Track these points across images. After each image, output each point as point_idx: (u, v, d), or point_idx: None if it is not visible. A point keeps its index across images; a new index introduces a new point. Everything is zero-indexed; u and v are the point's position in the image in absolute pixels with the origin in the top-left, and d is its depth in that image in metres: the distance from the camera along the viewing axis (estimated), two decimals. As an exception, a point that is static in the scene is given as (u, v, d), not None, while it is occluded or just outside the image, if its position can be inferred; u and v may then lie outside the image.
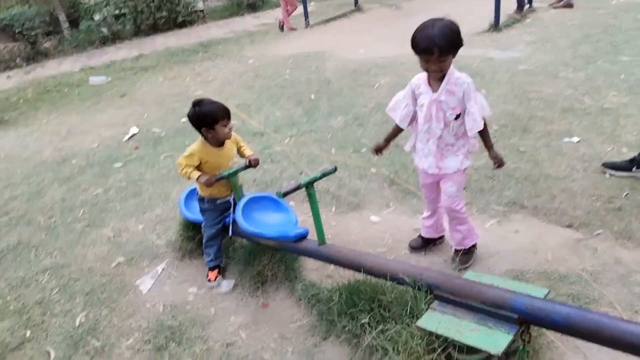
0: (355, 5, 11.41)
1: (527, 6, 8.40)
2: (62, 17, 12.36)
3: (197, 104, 2.55)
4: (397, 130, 2.62)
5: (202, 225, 2.79)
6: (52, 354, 2.43)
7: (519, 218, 2.95)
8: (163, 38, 11.91)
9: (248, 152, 2.80)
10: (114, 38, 12.16)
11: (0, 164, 5.29)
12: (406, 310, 1.96)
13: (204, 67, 8.29)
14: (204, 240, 2.82)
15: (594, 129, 3.90)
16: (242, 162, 2.78)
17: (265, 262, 2.70)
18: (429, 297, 1.93)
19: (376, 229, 3.07)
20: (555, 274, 2.45)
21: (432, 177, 2.52)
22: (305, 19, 10.51)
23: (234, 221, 2.70)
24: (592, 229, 2.75)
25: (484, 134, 2.37)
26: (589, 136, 3.78)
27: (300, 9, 10.63)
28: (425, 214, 2.73)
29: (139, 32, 12.57)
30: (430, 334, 1.77)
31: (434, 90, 2.31)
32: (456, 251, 2.62)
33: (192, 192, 3.04)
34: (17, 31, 11.29)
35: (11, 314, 2.77)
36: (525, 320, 1.68)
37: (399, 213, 3.20)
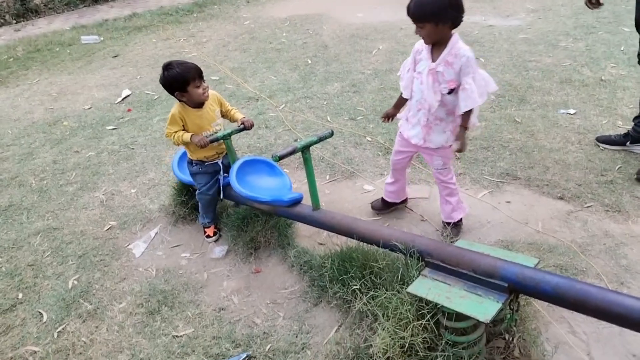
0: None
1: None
2: (51, -27, 11.94)
3: (166, 67, 2.48)
4: (404, 98, 2.54)
5: (197, 192, 2.78)
6: (45, 316, 2.45)
7: (511, 189, 2.96)
8: (156, -3, 11.56)
9: (239, 115, 2.76)
10: (106, -4, 11.80)
11: (-9, 124, 5.21)
12: (397, 276, 1.98)
13: (199, 27, 8.10)
14: (200, 207, 2.81)
15: (591, 100, 3.87)
16: (229, 124, 2.74)
17: (259, 229, 2.71)
18: (420, 264, 1.94)
19: (370, 198, 3.07)
20: (545, 244, 2.48)
21: (412, 148, 2.51)
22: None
23: (228, 184, 2.69)
24: (583, 201, 2.77)
25: (467, 112, 2.24)
26: (585, 108, 3.76)
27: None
28: (389, 180, 2.75)
29: (131, -10, 12.18)
30: (420, 300, 1.80)
31: (434, 59, 2.23)
32: (446, 224, 2.63)
33: (185, 154, 3.01)
34: (5, -14, 10.92)
35: (3, 275, 2.78)
36: (514, 289, 1.70)
37: (392, 182, 3.20)
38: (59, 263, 2.84)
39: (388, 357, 1.79)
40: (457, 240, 2.52)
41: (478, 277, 1.73)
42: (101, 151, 4.16)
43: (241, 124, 2.70)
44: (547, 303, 2.10)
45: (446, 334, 1.78)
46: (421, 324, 1.78)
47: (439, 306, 1.72)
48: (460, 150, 2.26)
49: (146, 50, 7.21)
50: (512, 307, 1.79)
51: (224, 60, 6.16)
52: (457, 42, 2.19)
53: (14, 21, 10.79)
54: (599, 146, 3.25)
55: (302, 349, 2.10)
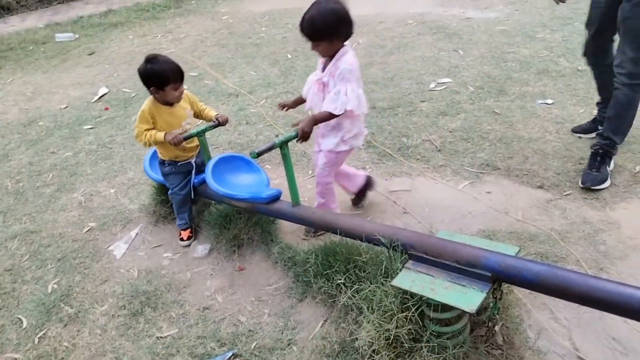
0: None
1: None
2: (22, -31, 11.64)
3: (150, 60, 2.40)
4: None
5: (169, 191, 2.75)
6: (24, 322, 2.40)
7: (491, 179, 2.99)
8: (132, -7, 11.37)
9: (213, 112, 2.72)
10: (80, -8, 11.55)
11: (-37, 126, 5.07)
12: (381, 270, 1.99)
13: (176, 23, 8.00)
14: (174, 207, 2.78)
15: (568, 90, 3.92)
16: (200, 122, 2.71)
17: (242, 226, 2.69)
18: (403, 257, 1.95)
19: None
20: (525, 233, 2.51)
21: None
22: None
23: (200, 183, 2.66)
24: (562, 189, 2.81)
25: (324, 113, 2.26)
26: (563, 98, 3.81)
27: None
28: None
29: (106, -14, 11.96)
30: (405, 292, 1.80)
31: (323, 70, 2.31)
32: None
33: (156, 152, 2.96)
34: (-26, -16, 10.62)
35: (-19, 280, 2.72)
36: (497, 278, 1.71)
37: (375, 176, 3.19)
38: (38, 267, 2.79)
39: (374, 350, 1.79)
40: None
41: (461, 267, 1.74)
42: (78, 151, 4.08)
43: (215, 120, 2.67)
44: (528, 290, 2.14)
45: (431, 325, 1.79)
46: (406, 316, 1.78)
47: (423, 298, 1.73)
48: (302, 138, 2.20)
49: (123, 47, 7.09)
50: (495, 295, 1.81)
51: (202, 56, 6.09)
52: (344, 54, 2.24)
53: (-15, 20, 10.51)
54: (576, 135, 3.29)
55: (288, 345, 2.10)
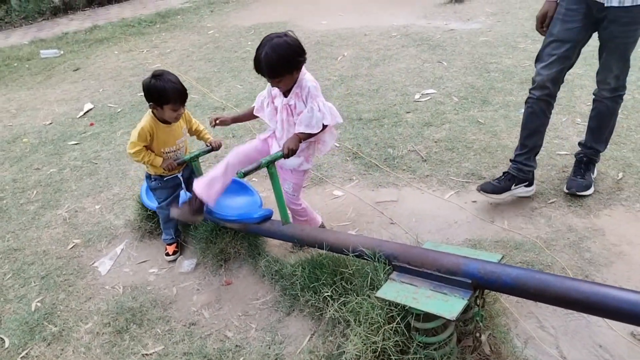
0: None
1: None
2: (7, -14, 11.61)
3: (156, 75, 2.37)
4: (250, 115, 2.57)
5: (156, 205, 2.73)
6: (7, 342, 2.35)
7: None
8: (118, 8, 11.39)
9: (208, 135, 2.77)
10: (66, 8, 11.53)
11: (-55, 144, 5.00)
12: (367, 281, 1.99)
13: (162, 38, 8.00)
14: (161, 222, 2.76)
15: (551, 99, 3.98)
16: (194, 140, 2.71)
17: (228, 240, 2.67)
18: (387, 268, 1.95)
19: (339, 203, 3.08)
20: (511, 242, 2.53)
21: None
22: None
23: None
24: (547, 197, 2.83)
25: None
26: (546, 107, 3.86)
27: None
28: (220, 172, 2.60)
29: (92, 1, 11.96)
30: (390, 303, 1.80)
31: (285, 95, 2.31)
32: None
33: None
34: (-42, 1, 10.56)
35: (-38, 301, 2.66)
36: (478, 285, 1.72)
37: (361, 187, 3.21)
38: (21, 285, 2.74)
39: (361, 363, 1.78)
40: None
41: (442, 275, 1.75)
42: (63, 167, 4.04)
43: (209, 144, 2.71)
44: (515, 299, 2.15)
45: (417, 336, 1.78)
46: (392, 327, 1.78)
47: (407, 308, 1.73)
48: (286, 156, 2.23)
49: (108, 62, 7.07)
50: (478, 303, 1.81)
51: (189, 71, 6.09)
52: (304, 75, 2.27)
53: (-31, 36, 10.43)
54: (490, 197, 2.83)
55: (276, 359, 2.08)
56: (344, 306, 2.00)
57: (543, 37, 2.65)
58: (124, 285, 2.64)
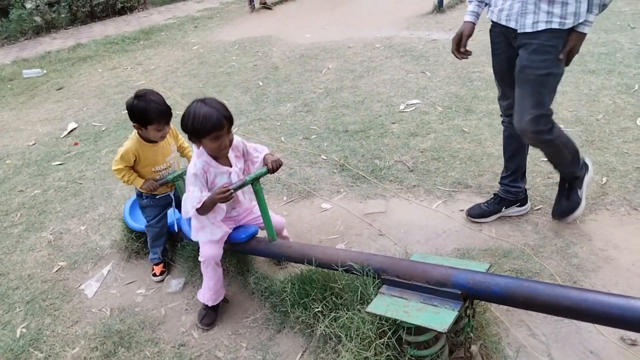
0: (300, -12, 11.25)
1: (468, -14, 8.52)
2: (-12, 6, 11.54)
3: (139, 96, 2.33)
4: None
5: (145, 223, 2.70)
6: (-9, 370, 2.30)
7: (463, 197, 3.02)
8: (101, 26, 11.37)
9: (191, 154, 2.72)
10: (49, 27, 11.48)
11: None
12: (357, 296, 1.98)
13: (146, 55, 7.98)
14: (148, 241, 2.73)
15: (533, 106, 4.02)
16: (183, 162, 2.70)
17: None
18: (377, 282, 1.94)
19: (328, 216, 3.07)
20: (499, 250, 2.53)
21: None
22: (250, 3, 10.29)
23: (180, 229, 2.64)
24: (533, 204, 2.85)
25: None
26: (529, 114, 3.91)
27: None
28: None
29: (75, 20, 11.93)
30: (381, 318, 1.79)
31: (228, 165, 2.23)
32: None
33: (136, 202, 2.92)
34: (-62, 22, 10.45)
35: (-56, 329, 2.59)
36: (468, 295, 1.72)
37: (349, 199, 3.21)
38: (5, 311, 2.68)
39: (353, 379, 1.77)
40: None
41: (432, 287, 1.74)
42: (47, 188, 3.99)
43: None
44: (505, 308, 2.15)
45: (409, 349, 1.77)
46: (383, 341, 1.77)
47: (398, 322, 1.72)
48: (273, 170, 2.24)
49: (92, 80, 7.03)
50: (468, 313, 1.81)
51: (173, 87, 6.08)
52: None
53: (-51, 58, 10.31)
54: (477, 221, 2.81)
55: (267, 378, 2.05)
56: (335, 322, 1.99)
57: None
58: (111, 307, 2.59)
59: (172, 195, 2.68)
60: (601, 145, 3.31)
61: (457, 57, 2.58)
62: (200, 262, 2.34)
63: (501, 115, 2.70)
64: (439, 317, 1.67)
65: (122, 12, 12.48)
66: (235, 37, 8.23)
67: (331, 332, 2.02)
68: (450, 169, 3.32)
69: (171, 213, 2.75)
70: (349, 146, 3.83)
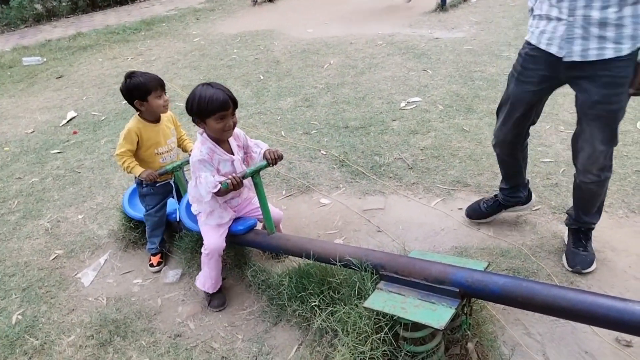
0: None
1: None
2: (-11, -8, 11.48)
3: (129, 75, 2.46)
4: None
5: (144, 212, 2.69)
6: (-14, 356, 2.30)
7: (462, 196, 3.02)
8: (102, 15, 11.32)
9: (191, 145, 2.74)
10: (49, 15, 11.44)
11: None
12: (354, 291, 1.98)
13: (147, 46, 7.95)
14: (147, 230, 2.72)
15: (534, 107, 4.03)
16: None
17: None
18: (374, 277, 1.95)
19: (326, 211, 3.07)
20: (497, 249, 2.54)
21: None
22: (253, -3, 10.27)
23: (180, 220, 2.63)
24: (531, 204, 2.85)
25: None
26: (529, 114, 3.91)
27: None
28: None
29: (76, 9, 11.88)
30: (378, 313, 1.80)
31: (228, 151, 2.26)
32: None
33: (135, 190, 2.91)
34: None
35: (-61, 314, 2.59)
36: (466, 293, 1.72)
37: (348, 194, 3.21)
38: (1, 298, 2.67)
39: (349, 374, 1.77)
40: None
41: (430, 284, 1.75)
42: (45, 176, 3.98)
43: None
44: (502, 307, 2.15)
45: (405, 345, 1.78)
46: (380, 337, 1.77)
47: (395, 318, 1.73)
48: (274, 162, 2.27)
49: (92, 70, 7.00)
50: (465, 311, 1.81)
51: (174, 78, 6.06)
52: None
53: (-51, 43, 10.25)
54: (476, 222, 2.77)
55: (263, 371, 2.05)
56: (332, 316, 1.99)
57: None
58: (108, 296, 2.59)
59: (172, 182, 2.67)
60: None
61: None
62: (201, 253, 2.35)
63: (494, 144, 2.45)
64: (436, 314, 1.67)
65: (123, 1, 12.43)
66: (236, 30, 8.20)
67: (328, 326, 2.02)
68: (449, 167, 3.33)
69: (171, 203, 2.74)
70: (349, 142, 3.82)
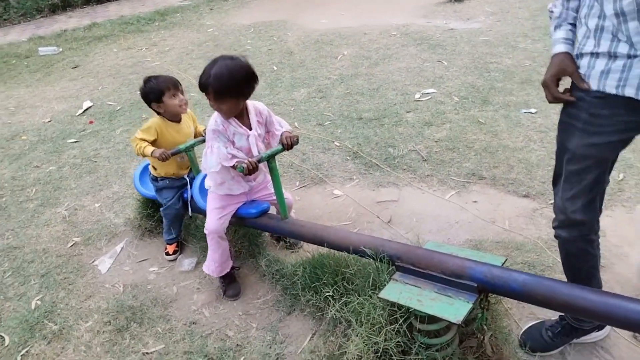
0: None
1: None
2: (5, -18, 11.56)
3: (145, 81, 2.54)
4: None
5: (162, 207, 2.71)
6: (7, 339, 2.34)
7: (477, 189, 3.01)
8: (117, 6, 11.36)
9: (202, 128, 2.76)
10: (65, 6, 11.49)
11: (-57, 141, 4.98)
12: (369, 282, 1.98)
13: (161, 36, 7.98)
14: (165, 223, 2.75)
15: (551, 100, 3.98)
16: None
17: (228, 239, 2.66)
18: (390, 269, 1.94)
19: (340, 203, 3.07)
20: (512, 242, 2.53)
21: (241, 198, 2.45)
22: (266, -13, 10.22)
23: (192, 198, 2.63)
24: (548, 198, 2.83)
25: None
26: (546, 107, 3.86)
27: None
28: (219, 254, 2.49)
29: (90, -1, 11.92)
30: (392, 304, 1.79)
31: (249, 127, 2.22)
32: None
33: (147, 167, 2.94)
34: (-44, -3, 10.51)
35: (-39, 299, 2.65)
36: (484, 289, 1.71)
37: (361, 186, 3.21)
38: (21, 283, 2.73)
39: (363, 363, 1.78)
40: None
41: (447, 278, 1.74)
42: (62, 165, 4.03)
43: (203, 133, 2.67)
44: (516, 300, 2.14)
45: (419, 337, 1.78)
46: (394, 328, 1.78)
47: (411, 310, 1.73)
48: (289, 146, 2.24)
49: (107, 60, 7.05)
50: (482, 306, 1.81)
51: (188, 69, 6.07)
52: (253, 103, 2.25)
53: (-33, 33, 10.38)
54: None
55: (277, 359, 2.07)
56: (346, 306, 2.00)
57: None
58: (124, 283, 2.63)
59: (186, 177, 2.69)
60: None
61: (559, 101, 1.74)
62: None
63: (555, 228, 1.80)
64: (453, 308, 1.66)
65: (137, -8, 12.43)
66: (250, 20, 8.19)
67: (341, 316, 2.03)
68: (464, 159, 3.31)
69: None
70: (363, 134, 3.81)
